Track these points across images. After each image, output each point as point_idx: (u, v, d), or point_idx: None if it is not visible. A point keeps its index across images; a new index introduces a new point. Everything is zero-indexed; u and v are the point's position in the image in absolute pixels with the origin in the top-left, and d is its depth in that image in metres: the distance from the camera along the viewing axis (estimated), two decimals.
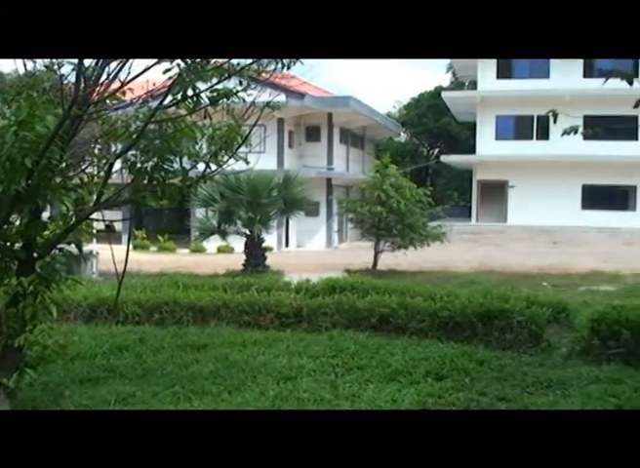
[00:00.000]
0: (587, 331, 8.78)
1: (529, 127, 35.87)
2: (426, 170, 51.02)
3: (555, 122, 5.69)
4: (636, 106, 4.81)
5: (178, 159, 6.66)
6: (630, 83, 4.67)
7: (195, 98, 6.04)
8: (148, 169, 6.62)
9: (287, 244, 30.34)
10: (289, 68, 6.45)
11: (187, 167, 6.78)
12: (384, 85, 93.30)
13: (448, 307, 9.72)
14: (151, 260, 21.21)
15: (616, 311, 8.71)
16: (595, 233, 31.52)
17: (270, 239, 23.15)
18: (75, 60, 5.13)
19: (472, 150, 38.44)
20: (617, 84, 4.79)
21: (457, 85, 51.80)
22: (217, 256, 25.08)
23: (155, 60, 5.40)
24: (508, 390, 7.40)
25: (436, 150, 52.94)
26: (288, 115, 28.77)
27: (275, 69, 6.47)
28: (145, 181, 6.68)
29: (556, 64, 35.77)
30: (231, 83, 6.39)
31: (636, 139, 32.89)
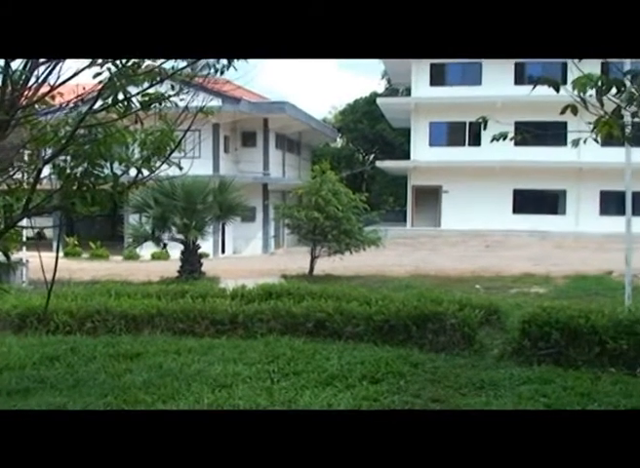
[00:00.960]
0: (518, 333, 8.98)
1: (461, 133, 36.59)
2: (362, 175, 51.44)
3: (485, 128, 5.80)
4: (562, 113, 4.92)
5: (108, 164, 6.53)
6: (557, 90, 4.78)
7: (126, 103, 5.94)
8: (78, 174, 6.46)
9: (223, 250, 30.14)
10: (222, 73, 6.40)
11: (119, 172, 6.65)
12: (320, 91, 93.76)
13: (383, 311, 9.80)
14: (83, 268, 20.78)
15: (545, 312, 8.92)
16: (526, 236, 32.36)
17: (206, 245, 22.97)
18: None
19: (407, 156, 38.97)
20: (546, 91, 4.90)
21: (391, 91, 52.41)
22: (151, 263, 24.74)
23: (87, 63, 5.30)
24: (442, 392, 7.51)
25: (372, 156, 53.42)
26: (223, 120, 28.64)
27: (208, 74, 6.41)
28: (75, 187, 6.52)
29: (488, 72, 36.64)
30: (165, 87, 6.31)
31: (565, 145, 33.87)
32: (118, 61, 5.43)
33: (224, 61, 6.24)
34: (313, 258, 20.63)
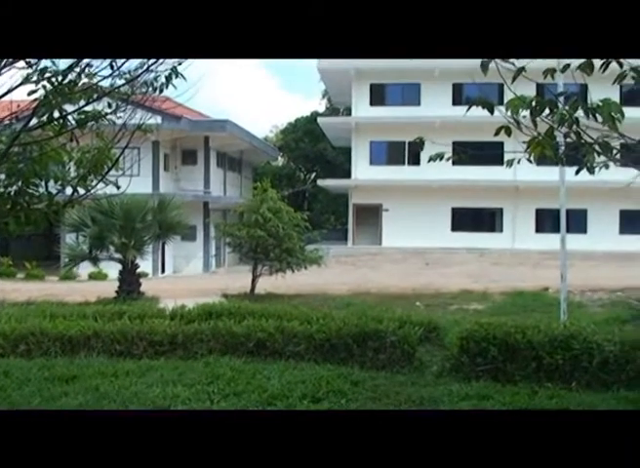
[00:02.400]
0: (457, 349, 9.09)
1: (401, 152, 37.11)
2: (304, 194, 51.58)
3: (422, 148, 5.89)
4: (496, 134, 5.04)
5: (43, 183, 6.39)
6: (491, 112, 4.89)
7: (62, 121, 5.84)
8: (12, 193, 6.31)
9: (163, 269, 29.74)
10: (161, 92, 6.36)
11: (54, 191, 6.51)
12: (262, 109, 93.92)
13: (324, 330, 9.80)
14: (18, 289, 20.22)
15: (483, 329, 9.06)
16: (465, 253, 32.90)
17: (145, 264, 22.58)
18: None
19: (348, 175, 39.27)
20: (483, 112, 5.00)
21: (332, 111, 52.91)
22: (88, 284, 24.24)
23: (20, 82, 5.19)
24: (383, 409, 7.53)
25: (313, 174, 53.67)
26: (163, 138, 28.39)
27: (147, 92, 6.36)
28: (9, 207, 6.36)
29: (427, 92, 37.35)
30: (102, 105, 6.22)
31: (502, 164, 34.51)
32: (54, 79, 5.35)
33: (163, 79, 6.22)
34: (255, 277, 20.53)
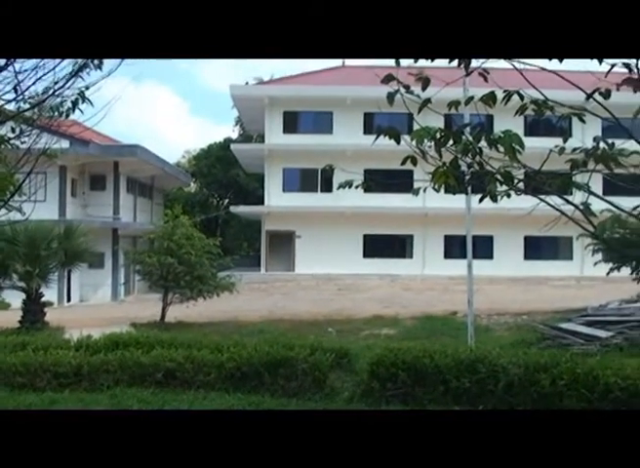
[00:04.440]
0: (367, 375, 9.17)
1: (314, 179, 37.37)
2: (216, 220, 51.19)
3: (332, 176, 5.96)
4: (403, 163, 5.12)
5: None
6: (397, 141, 4.97)
7: None
8: None
9: (69, 298, 28.79)
10: (68, 116, 6.22)
11: None
12: (173, 134, 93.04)
13: (235, 358, 9.70)
14: None
15: (393, 354, 9.17)
16: (377, 279, 33.30)
17: (50, 293, 21.82)
18: None
19: (261, 201, 39.24)
20: (393, 141, 5.06)
21: (245, 137, 52.93)
22: None
23: None
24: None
25: (226, 201, 53.39)
26: (71, 163, 27.69)
27: (52, 116, 6.20)
28: None
29: (339, 121, 37.91)
30: (5, 129, 6.03)
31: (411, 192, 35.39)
32: None
33: (69, 104, 6.08)
34: (165, 305, 20.14)
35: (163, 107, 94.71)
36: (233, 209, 40.45)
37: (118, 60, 5.81)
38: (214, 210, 51.57)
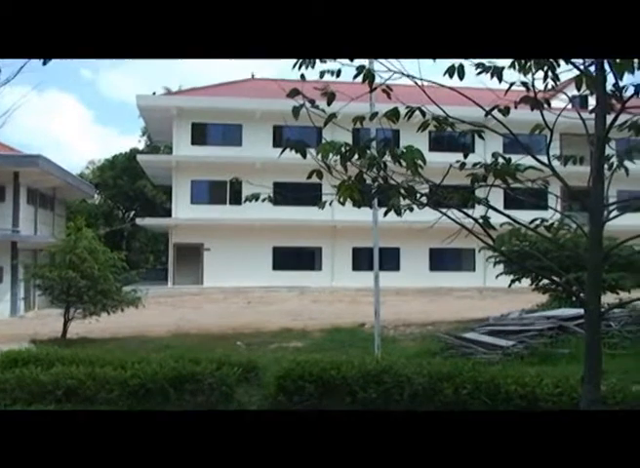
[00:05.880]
0: (275, 388, 9.12)
1: (223, 192, 37.12)
2: (122, 233, 50.08)
3: (241, 188, 5.92)
4: (309, 177, 5.15)
5: None
6: (303, 155, 4.99)
7: None
8: None
9: None
10: None
11: None
12: (77, 144, 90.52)
13: (139, 374, 9.46)
14: None
15: (300, 367, 9.17)
16: (286, 292, 33.35)
17: None
18: None
19: (169, 213, 38.66)
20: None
21: (153, 148, 52.12)
22: None
23: None
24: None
25: (132, 213, 52.32)
26: None
27: None
28: None
29: (248, 133, 37.88)
30: None
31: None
32: None
33: None
34: (67, 321, 19.49)
35: (67, 117, 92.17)
36: (139, 221, 39.64)
37: (17, 68, 5.63)
38: (119, 222, 50.43)
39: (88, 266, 18.81)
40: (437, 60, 4.22)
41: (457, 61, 4.40)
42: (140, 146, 55.49)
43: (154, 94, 46.81)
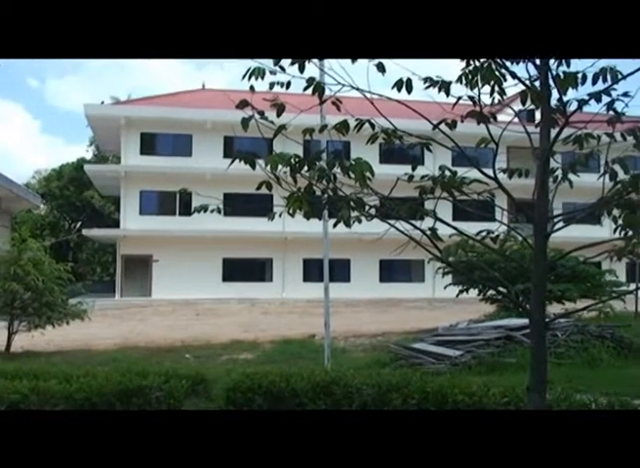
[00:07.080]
0: (224, 401, 9.04)
1: (172, 202, 36.79)
2: (68, 244, 49.13)
3: (191, 199, 5.87)
4: (258, 189, 5.13)
5: None
6: (252, 167, 4.98)
7: None
8: None
9: None
10: None
11: None
12: (23, 154, 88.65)
13: (84, 388, 9.24)
14: None
15: (249, 379, 9.10)
16: (236, 304, 33.17)
17: None
18: None
19: (117, 224, 38.13)
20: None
21: (101, 158, 51.39)
22: None
23: None
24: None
25: (79, 223, 51.43)
26: None
27: None
28: None
29: (198, 144, 37.65)
30: None
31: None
32: None
33: None
34: (11, 334, 19.00)
35: (12, 126, 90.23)
36: (86, 232, 38.98)
37: None
38: (65, 233, 49.49)
39: (32, 278, 18.39)
40: (386, 74, 4.28)
41: (404, 76, 4.47)
42: (88, 156, 54.67)
43: (102, 103, 46.21)
